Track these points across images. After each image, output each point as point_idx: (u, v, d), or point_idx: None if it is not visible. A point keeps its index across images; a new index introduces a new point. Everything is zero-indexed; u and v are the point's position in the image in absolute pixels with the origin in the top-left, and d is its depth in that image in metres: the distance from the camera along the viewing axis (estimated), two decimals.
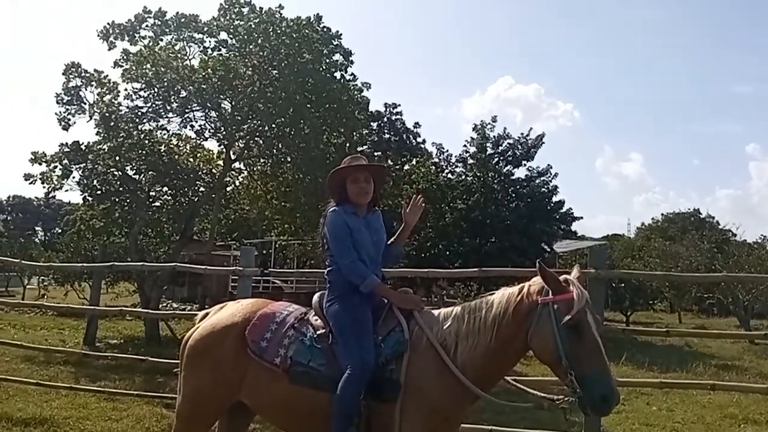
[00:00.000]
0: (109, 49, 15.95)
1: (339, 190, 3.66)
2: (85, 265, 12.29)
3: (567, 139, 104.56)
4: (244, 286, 6.07)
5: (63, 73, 15.49)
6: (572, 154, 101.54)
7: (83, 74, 15.52)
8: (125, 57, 15.72)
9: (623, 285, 24.19)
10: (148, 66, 14.84)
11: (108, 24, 15.86)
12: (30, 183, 15.13)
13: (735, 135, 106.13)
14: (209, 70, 14.95)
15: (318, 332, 3.48)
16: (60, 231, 39.14)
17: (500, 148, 23.11)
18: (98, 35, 15.89)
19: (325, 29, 16.68)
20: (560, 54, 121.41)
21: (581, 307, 2.99)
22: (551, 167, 23.15)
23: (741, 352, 16.08)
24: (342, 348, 3.36)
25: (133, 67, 15.18)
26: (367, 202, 3.68)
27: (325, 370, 3.36)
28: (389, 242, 3.83)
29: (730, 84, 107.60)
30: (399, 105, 28.41)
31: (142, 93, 15.61)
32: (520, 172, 23.35)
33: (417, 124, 28.76)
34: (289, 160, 16.56)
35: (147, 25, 16.04)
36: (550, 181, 23.10)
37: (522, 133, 23.31)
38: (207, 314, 3.89)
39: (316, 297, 3.68)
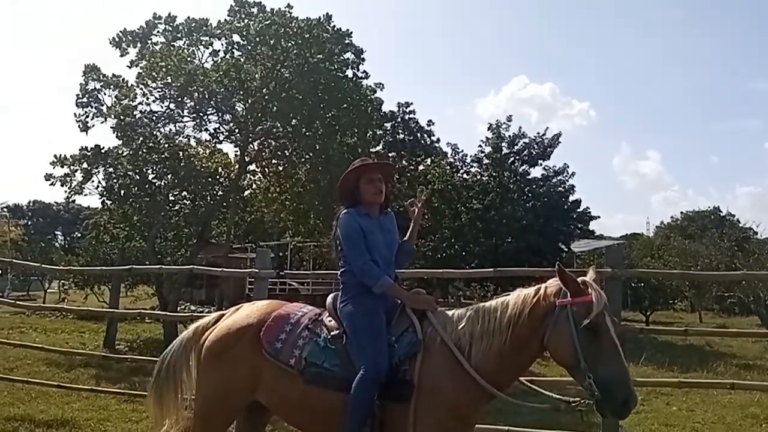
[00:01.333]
0: (122, 56, 16.18)
1: (350, 193, 3.69)
2: (104, 268, 12.43)
3: (583, 138, 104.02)
4: (260, 287, 6.11)
5: (82, 75, 15.76)
6: (588, 152, 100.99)
7: (101, 78, 15.75)
8: (141, 55, 15.93)
9: (642, 285, 23.94)
10: (163, 70, 14.99)
11: (120, 31, 16.07)
12: (51, 184, 15.38)
13: (754, 131, 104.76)
14: (221, 72, 15.08)
15: (332, 333, 3.50)
16: (80, 235, 39.70)
17: (516, 147, 22.98)
18: (111, 43, 16.11)
19: (335, 28, 16.73)
20: (575, 52, 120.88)
21: (600, 310, 2.98)
22: (568, 166, 22.99)
23: (763, 351, 15.83)
24: (356, 349, 3.38)
25: (148, 70, 15.35)
26: (381, 202, 3.71)
27: (339, 370, 3.38)
28: (401, 240, 3.86)
29: (748, 80, 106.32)
30: (412, 104, 28.18)
31: (156, 94, 15.78)
32: (536, 172, 23.21)
33: (430, 122, 28.42)
34: (303, 160, 16.63)
35: (158, 31, 16.23)
36: (567, 181, 22.95)
37: (538, 133, 23.18)
38: (222, 315, 3.92)
39: (329, 298, 3.70)
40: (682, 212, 54.07)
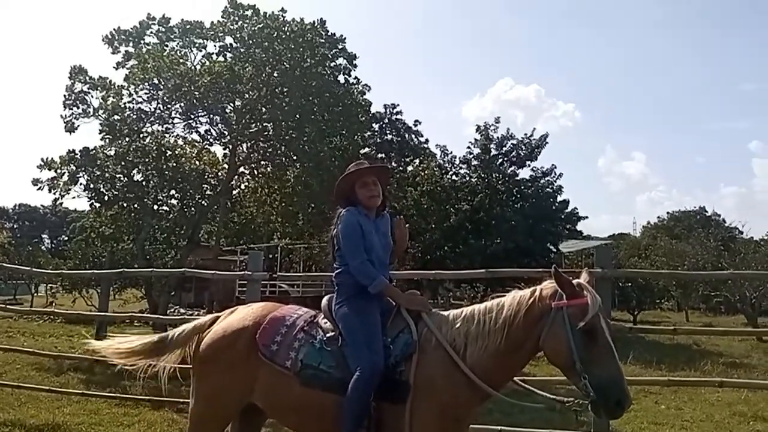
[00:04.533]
0: (113, 53, 16.10)
1: (347, 196, 3.72)
2: (94, 271, 12.32)
3: (568, 140, 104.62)
4: (252, 290, 6.13)
5: (69, 77, 15.67)
6: (574, 154, 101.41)
7: (88, 80, 15.66)
8: (128, 57, 15.86)
9: (630, 284, 24.13)
10: (151, 70, 14.90)
11: (114, 30, 16.01)
12: (38, 189, 15.32)
13: (738, 132, 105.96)
14: (213, 74, 15.04)
15: (327, 335, 3.52)
16: (67, 238, 39.36)
17: (504, 149, 23.10)
18: (103, 41, 16.05)
19: (328, 33, 16.78)
20: (560, 54, 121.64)
21: (595, 312, 3.04)
22: (555, 167, 23.16)
23: (749, 349, 16.00)
24: (351, 350, 3.40)
25: (136, 69, 15.28)
26: (377, 205, 3.74)
27: (335, 372, 3.40)
28: None
29: (733, 81, 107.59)
30: (398, 105, 28.18)
31: (144, 95, 15.72)
32: (525, 173, 23.36)
33: (417, 122, 28.37)
34: (293, 163, 16.64)
35: (152, 32, 16.18)
36: (555, 181, 23.11)
37: (525, 134, 23.32)
38: (217, 318, 3.93)
39: (325, 300, 3.72)
40: (668, 212, 54.76)
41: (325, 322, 3.61)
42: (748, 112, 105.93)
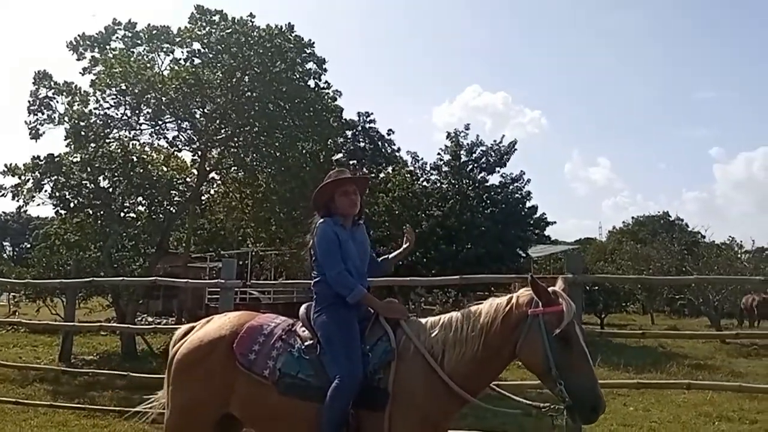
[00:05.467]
0: (78, 60, 15.79)
1: (325, 204, 3.74)
2: (63, 281, 12.02)
3: (535, 146, 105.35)
4: (226, 298, 6.08)
5: (33, 82, 15.30)
6: (541, 160, 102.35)
7: (53, 85, 15.32)
8: (94, 62, 15.56)
9: (597, 288, 24.50)
10: (118, 74, 14.65)
11: (78, 35, 15.70)
12: (2, 196, 14.95)
13: (699, 139, 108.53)
14: (181, 80, 14.85)
15: (306, 343, 3.53)
16: (29, 246, 38.39)
17: (474, 155, 23.34)
18: (68, 46, 15.71)
19: (297, 38, 16.73)
20: (526, 62, 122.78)
21: (570, 319, 3.11)
22: (524, 173, 23.48)
23: (713, 351, 16.38)
24: (330, 358, 3.41)
25: (103, 74, 15.01)
26: (356, 214, 3.76)
27: (313, 380, 3.41)
28: (386, 257, 3.97)
29: (694, 90, 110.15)
30: (372, 114, 28.38)
31: (111, 101, 15.43)
32: (494, 179, 23.63)
33: (390, 131, 28.63)
34: (264, 168, 16.52)
35: (117, 37, 15.90)
36: (524, 187, 23.41)
37: (495, 140, 23.61)
38: (192, 328, 3.91)
39: (303, 308, 3.73)
40: (633, 217, 55.54)
41: (303, 331, 3.61)
42: (708, 119, 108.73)
